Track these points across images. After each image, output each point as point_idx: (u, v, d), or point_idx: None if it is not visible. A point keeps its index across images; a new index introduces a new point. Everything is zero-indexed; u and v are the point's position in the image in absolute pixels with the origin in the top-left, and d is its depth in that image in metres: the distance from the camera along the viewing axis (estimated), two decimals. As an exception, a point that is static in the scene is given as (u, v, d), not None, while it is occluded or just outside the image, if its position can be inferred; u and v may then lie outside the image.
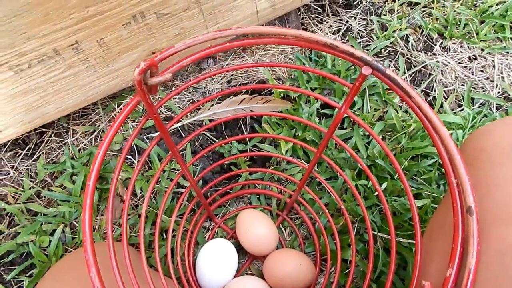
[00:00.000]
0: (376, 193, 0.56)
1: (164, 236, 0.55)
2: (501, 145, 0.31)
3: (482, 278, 0.26)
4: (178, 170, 0.59)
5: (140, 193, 0.57)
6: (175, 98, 0.70)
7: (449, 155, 0.25)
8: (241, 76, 0.73)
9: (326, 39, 0.25)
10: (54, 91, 0.51)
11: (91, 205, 0.25)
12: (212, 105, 0.67)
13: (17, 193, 0.57)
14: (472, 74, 0.75)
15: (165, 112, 0.67)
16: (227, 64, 0.74)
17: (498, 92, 0.72)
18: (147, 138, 0.62)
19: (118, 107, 0.65)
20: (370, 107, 0.66)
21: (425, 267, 0.32)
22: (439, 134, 0.26)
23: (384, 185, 0.56)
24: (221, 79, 0.73)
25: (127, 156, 0.61)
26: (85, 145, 0.62)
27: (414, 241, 0.53)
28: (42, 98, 0.51)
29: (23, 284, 0.51)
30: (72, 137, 0.62)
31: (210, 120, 0.66)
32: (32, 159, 0.60)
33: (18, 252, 0.52)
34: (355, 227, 0.56)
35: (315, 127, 0.42)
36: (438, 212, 0.38)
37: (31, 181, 0.58)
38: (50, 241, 0.52)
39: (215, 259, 0.50)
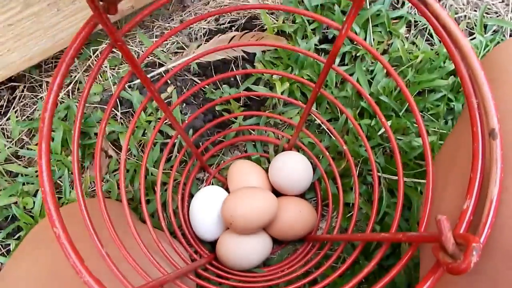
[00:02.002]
0: (380, 132, 0.52)
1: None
2: None
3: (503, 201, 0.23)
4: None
5: (127, 146, 0.53)
6: (157, 40, 0.63)
7: (471, 71, 0.21)
8: (230, 13, 0.65)
9: None
10: (15, 35, 0.44)
11: (47, 150, 0.21)
12: (199, 46, 0.61)
13: (-7, 153, 0.53)
14: (486, -3, 0.67)
15: (148, 57, 0.61)
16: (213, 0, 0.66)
17: (514, 17, 0.65)
18: (129, 86, 0.57)
19: (94, 54, 0.59)
20: (374, 39, 0.60)
21: (435, 204, 0.29)
22: (459, 47, 0.21)
23: (388, 123, 0.52)
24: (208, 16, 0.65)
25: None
26: (61, 98, 0.56)
27: (419, 181, 0.50)
28: (2, 44, 0.44)
29: (10, 247, 0.48)
30: (47, 91, 0.57)
31: (198, 64, 0.60)
32: (6, 117, 0.56)
33: (2, 216, 0.49)
34: (357, 170, 0.52)
35: (314, 56, 0.36)
36: (447, 146, 0.34)
37: (7, 141, 0.54)
38: (34, 202, 0.49)
39: (209, 207, 0.47)
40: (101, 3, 0.21)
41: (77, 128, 0.25)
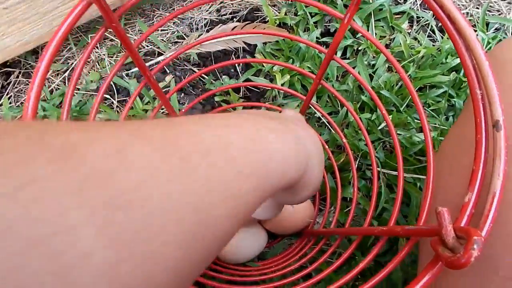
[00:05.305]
0: (380, 127, 0.52)
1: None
2: None
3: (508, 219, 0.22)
4: (162, 108, 0.54)
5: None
6: (157, 30, 0.62)
7: (475, 61, 0.20)
8: (232, 4, 0.65)
9: None
10: (10, 20, 0.43)
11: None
12: (200, 35, 0.60)
13: (-14, 139, 0.52)
14: (489, -5, 0.67)
15: (147, 46, 0.60)
16: (213, -10, 0.65)
17: (516, 15, 0.65)
18: (127, 75, 0.56)
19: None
20: (376, 34, 0.59)
21: (436, 198, 0.29)
22: (463, 37, 0.21)
23: (389, 118, 0.51)
24: (209, 7, 0.64)
25: (105, 96, 0.55)
26: (57, 85, 0.55)
27: (419, 176, 0.50)
28: (-3, 28, 0.43)
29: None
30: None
31: (198, 54, 0.59)
32: None
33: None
34: (356, 164, 0.52)
35: (315, 46, 0.36)
36: (448, 139, 0.34)
37: (1, 125, 0.53)
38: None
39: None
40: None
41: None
